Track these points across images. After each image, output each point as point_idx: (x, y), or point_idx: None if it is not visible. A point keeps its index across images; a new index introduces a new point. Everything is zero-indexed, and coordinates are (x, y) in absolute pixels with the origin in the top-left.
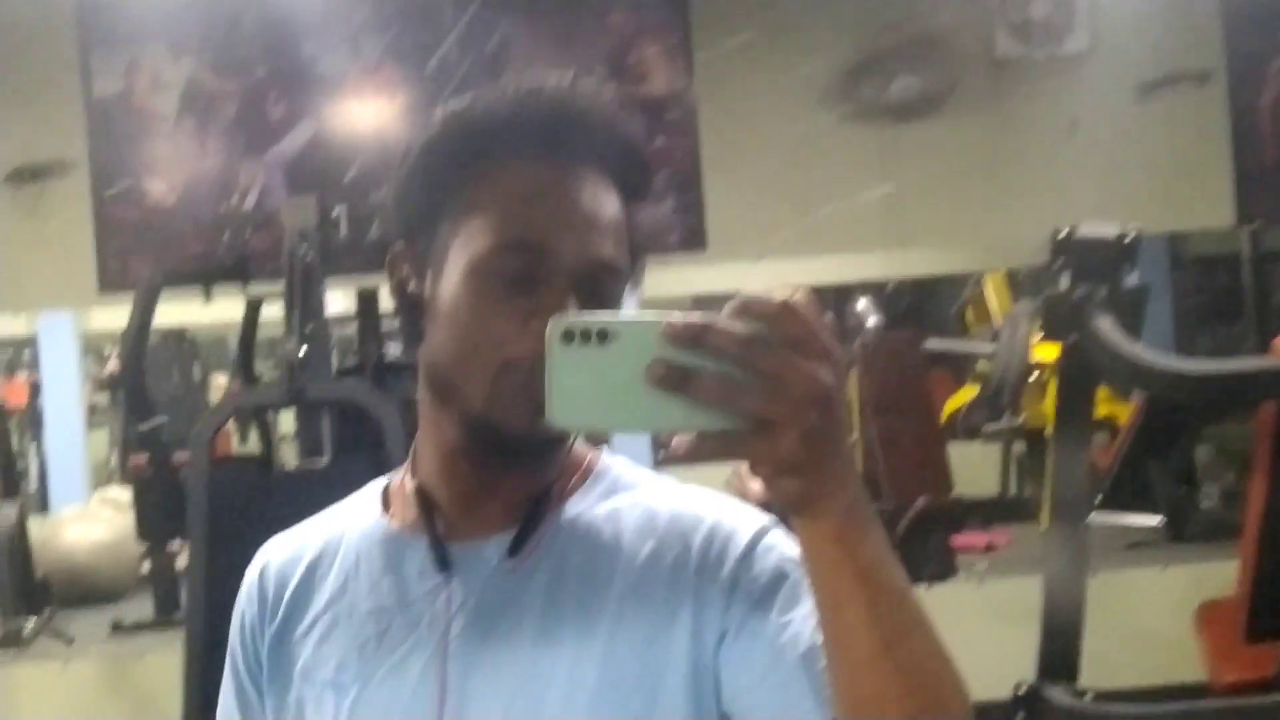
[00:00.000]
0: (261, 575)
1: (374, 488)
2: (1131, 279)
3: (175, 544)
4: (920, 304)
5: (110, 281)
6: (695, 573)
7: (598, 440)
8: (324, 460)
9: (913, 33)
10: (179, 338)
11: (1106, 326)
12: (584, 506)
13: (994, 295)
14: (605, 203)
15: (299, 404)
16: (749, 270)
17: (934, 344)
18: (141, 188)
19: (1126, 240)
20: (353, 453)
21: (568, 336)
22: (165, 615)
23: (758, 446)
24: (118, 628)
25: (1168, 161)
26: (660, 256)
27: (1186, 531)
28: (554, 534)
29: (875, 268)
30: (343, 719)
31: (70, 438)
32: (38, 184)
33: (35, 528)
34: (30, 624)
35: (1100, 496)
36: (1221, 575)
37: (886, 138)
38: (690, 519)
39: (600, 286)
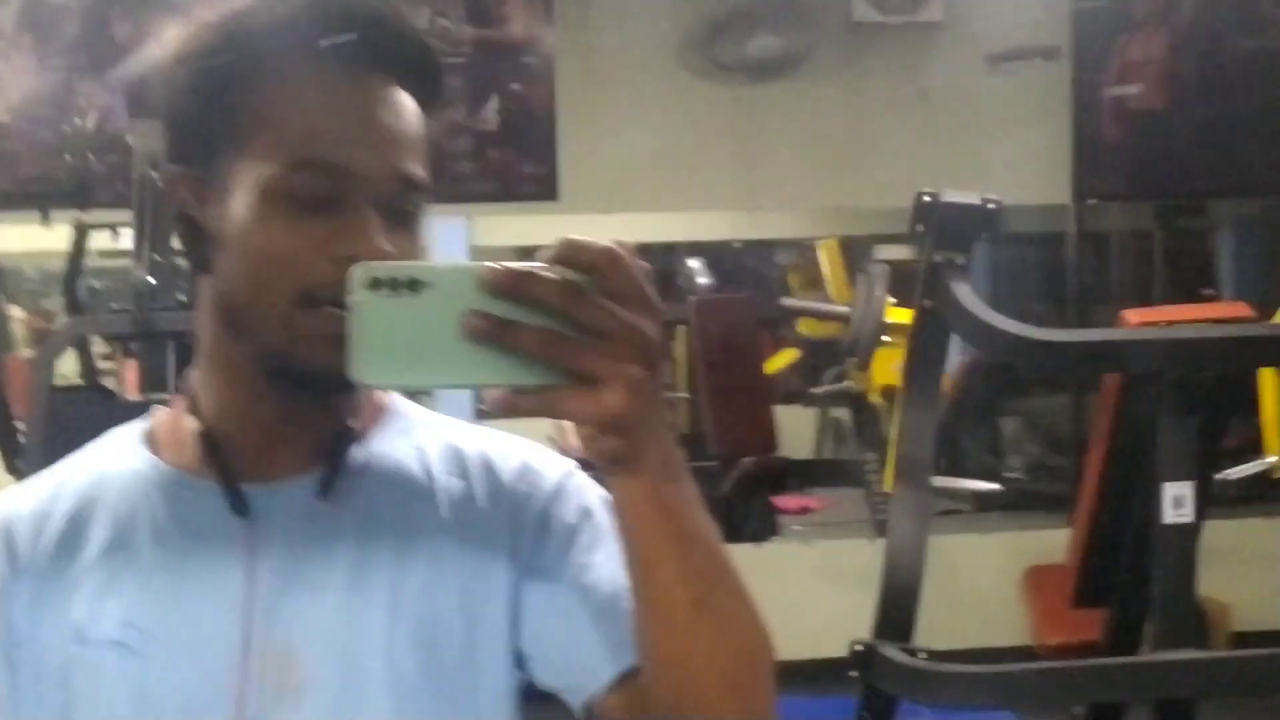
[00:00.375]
0: (5, 531)
1: (128, 431)
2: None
3: None
4: (740, 267)
5: None
6: (508, 509)
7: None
8: (167, 393)
9: None
10: None
11: (965, 293)
12: (386, 445)
13: (828, 262)
14: (405, 114)
15: (148, 334)
16: (598, 222)
17: (789, 303)
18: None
19: (990, 209)
20: None
21: (375, 285)
22: None
23: (580, 402)
24: None
25: (1012, 134)
26: (510, 204)
27: (993, 501)
28: (360, 473)
29: (722, 228)
30: (131, 679)
31: None
32: None
33: None
34: None
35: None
36: (1031, 543)
37: (741, 96)
38: (499, 457)
39: (405, 203)
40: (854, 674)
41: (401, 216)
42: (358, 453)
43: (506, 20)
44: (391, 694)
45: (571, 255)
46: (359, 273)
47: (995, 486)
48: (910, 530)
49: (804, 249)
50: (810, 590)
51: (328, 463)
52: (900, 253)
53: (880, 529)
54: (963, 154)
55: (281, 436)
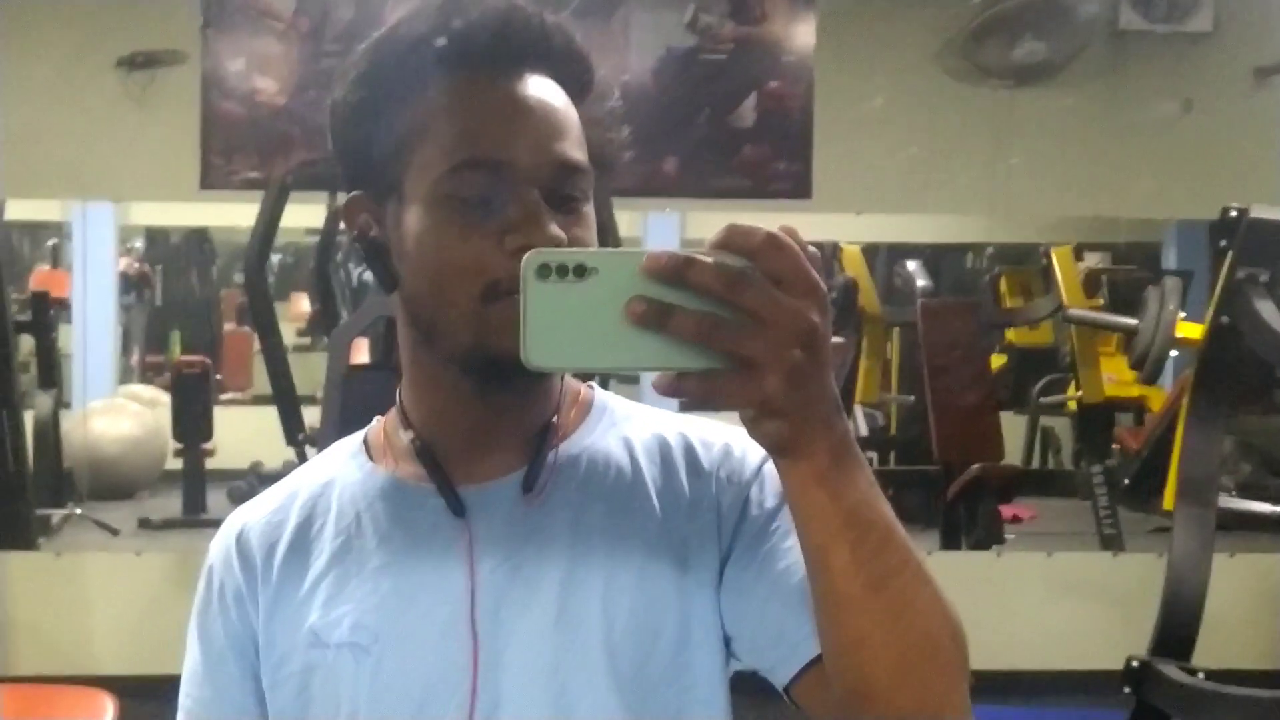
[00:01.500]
0: (240, 541)
1: (347, 444)
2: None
3: (208, 445)
4: (946, 271)
5: (213, 179)
6: (712, 494)
7: (585, 377)
8: None
9: None
10: (201, 239)
11: (1268, 309)
12: (592, 439)
13: (1061, 267)
14: (554, 102)
15: None
16: (850, 222)
17: (1075, 314)
18: (252, 85)
19: None
20: None
21: (543, 272)
22: (193, 514)
23: (741, 387)
24: (146, 524)
25: (1275, 148)
26: (763, 202)
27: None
28: (567, 467)
29: (972, 231)
30: (366, 678)
31: (102, 333)
32: (149, 72)
33: (62, 421)
34: (59, 515)
35: (1127, 480)
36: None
37: (1000, 100)
38: (700, 444)
39: (567, 187)
40: (1127, 690)
41: (567, 202)
42: (565, 448)
43: (768, 18)
44: (613, 685)
45: (734, 241)
46: (528, 260)
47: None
48: (1194, 548)
49: (1009, 254)
50: (1042, 601)
51: (530, 459)
52: (1096, 261)
53: (1106, 543)
54: (1222, 167)
55: (488, 437)
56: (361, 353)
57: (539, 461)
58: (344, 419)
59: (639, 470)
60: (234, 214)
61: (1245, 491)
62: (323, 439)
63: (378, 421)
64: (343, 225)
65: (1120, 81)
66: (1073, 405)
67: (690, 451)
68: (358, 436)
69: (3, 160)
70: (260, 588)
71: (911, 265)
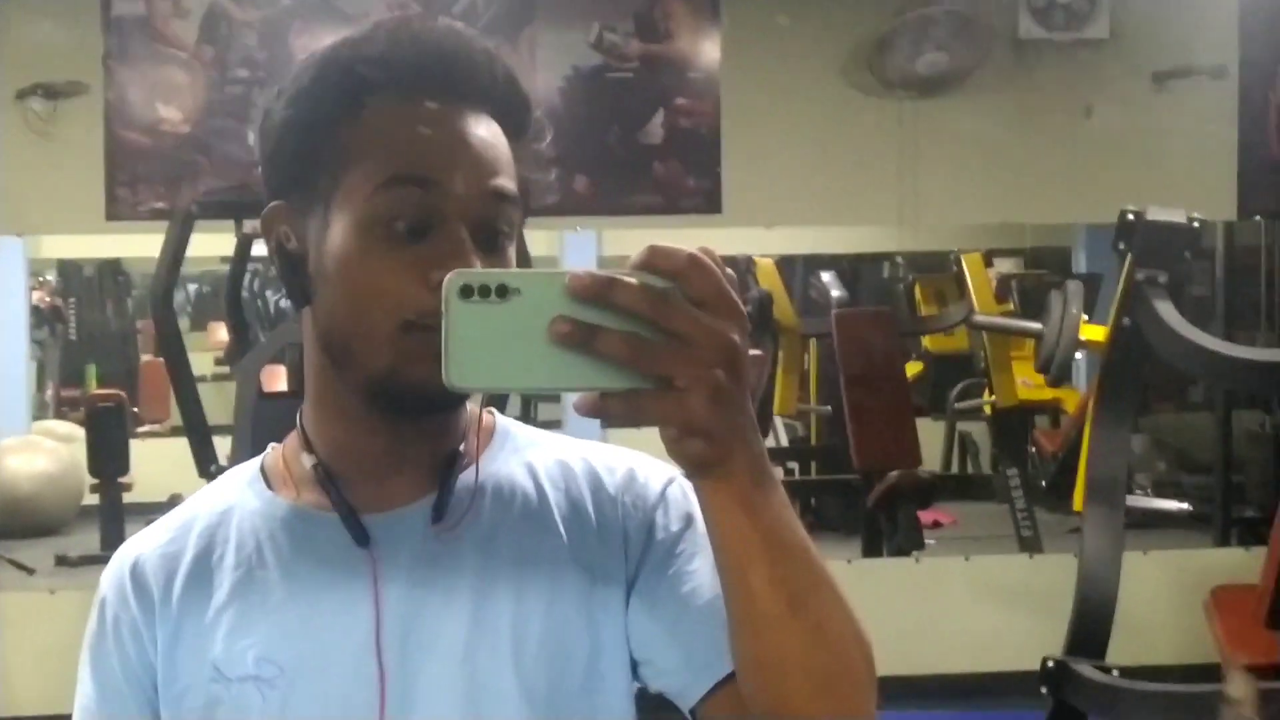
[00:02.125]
0: (135, 573)
1: (243, 471)
2: (1080, 266)
3: (125, 478)
4: (862, 280)
5: (119, 210)
6: (617, 519)
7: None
8: None
9: (942, 9)
10: (114, 270)
11: (1168, 311)
12: (496, 465)
13: (972, 274)
14: (491, 135)
15: None
16: (761, 236)
17: (980, 319)
18: (156, 115)
19: (1194, 227)
20: None
21: (465, 292)
22: (111, 549)
23: (664, 407)
24: (63, 560)
25: (1177, 152)
26: (674, 218)
27: (1165, 520)
28: (474, 495)
29: (883, 241)
30: (273, 712)
31: (13, 368)
32: (50, 103)
33: None
34: None
35: (1045, 482)
36: (1195, 562)
37: (906, 111)
38: (604, 469)
39: (496, 222)
40: (1044, 689)
41: (495, 236)
42: (469, 475)
43: (673, 36)
44: (525, 711)
45: (656, 262)
46: (451, 280)
47: (1185, 506)
48: (1105, 548)
49: (923, 262)
50: (962, 605)
51: (437, 486)
52: (1008, 266)
53: (1024, 545)
54: (1124, 172)
55: (393, 465)
56: (279, 380)
57: (447, 490)
58: (256, 448)
59: (544, 496)
60: (148, 244)
61: (1161, 489)
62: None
63: (274, 449)
64: (259, 233)
65: (1023, 90)
66: (989, 410)
67: (594, 477)
68: (254, 463)
69: None
70: (158, 620)
71: (826, 276)
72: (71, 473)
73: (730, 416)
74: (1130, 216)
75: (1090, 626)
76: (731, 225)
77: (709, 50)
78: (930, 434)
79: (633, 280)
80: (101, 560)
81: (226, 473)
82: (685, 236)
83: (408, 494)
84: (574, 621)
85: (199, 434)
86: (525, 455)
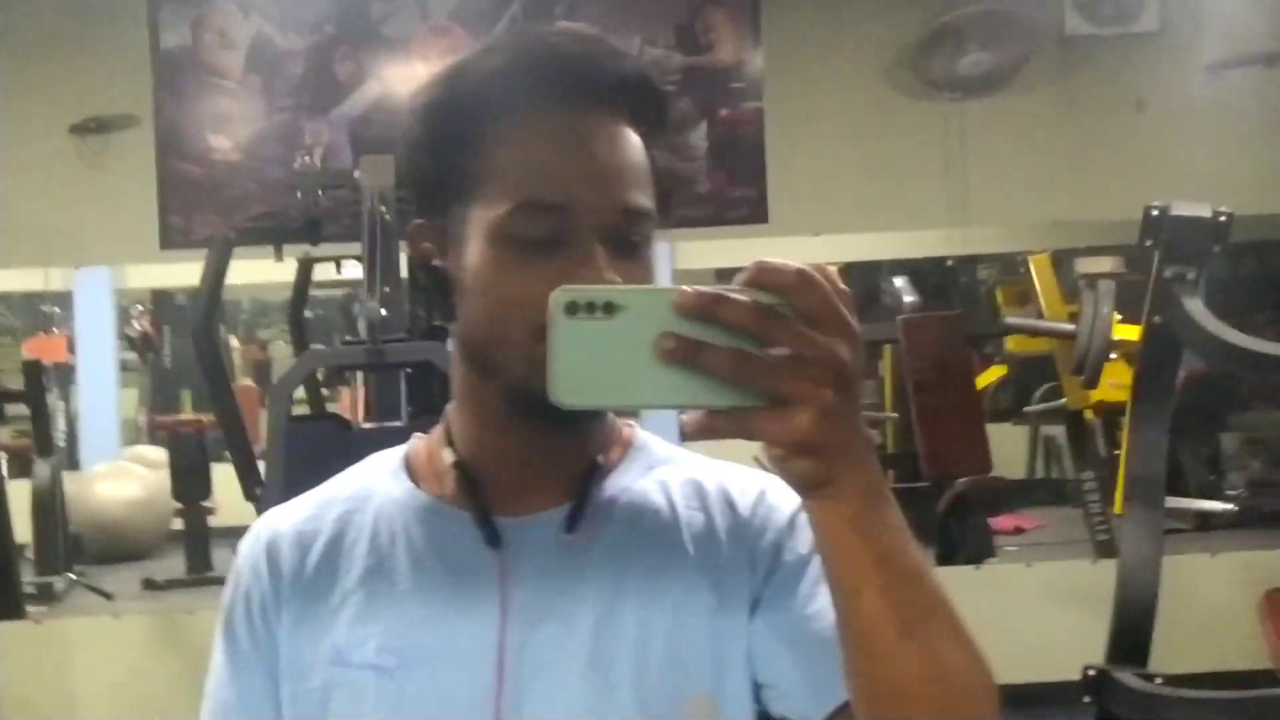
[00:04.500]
0: (270, 549)
1: (386, 459)
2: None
3: (208, 502)
4: (945, 284)
5: (172, 239)
6: (747, 542)
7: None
8: (400, 421)
9: (984, 8)
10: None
11: (1196, 307)
12: (630, 480)
13: (1039, 276)
14: (624, 145)
15: (380, 365)
16: (809, 244)
17: (1013, 321)
18: (206, 144)
19: (1221, 221)
20: (426, 415)
21: (571, 309)
22: (197, 573)
23: (772, 425)
24: (150, 585)
25: (1232, 143)
26: (720, 229)
27: (1213, 520)
28: (607, 508)
29: (932, 245)
30: (388, 702)
31: (103, 395)
32: (102, 136)
33: (67, 484)
34: (63, 580)
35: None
36: (1265, 563)
37: (952, 112)
38: (737, 491)
39: (629, 234)
40: (1087, 699)
41: (628, 248)
42: (605, 487)
43: (715, 47)
44: None
45: (765, 278)
46: (556, 296)
47: (1229, 506)
48: (1143, 552)
49: (1009, 264)
50: (1031, 613)
51: (575, 497)
52: (1100, 265)
53: (1101, 549)
54: (1179, 164)
55: (532, 471)
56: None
57: (583, 501)
58: (288, 469)
59: (676, 514)
60: (243, 272)
61: (1256, 488)
62: (269, 490)
63: (418, 439)
64: (407, 251)
65: (1072, 86)
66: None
67: (726, 497)
68: (398, 452)
69: None
70: (287, 598)
71: (899, 281)
72: (160, 497)
73: (840, 435)
74: (1155, 213)
75: (1132, 633)
76: (778, 234)
77: (751, 60)
78: (1016, 439)
79: (742, 296)
80: (189, 584)
81: (370, 457)
82: (733, 246)
83: (543, 501)
84: (699, 641)
85: (243, 454)
86: (660, 471)
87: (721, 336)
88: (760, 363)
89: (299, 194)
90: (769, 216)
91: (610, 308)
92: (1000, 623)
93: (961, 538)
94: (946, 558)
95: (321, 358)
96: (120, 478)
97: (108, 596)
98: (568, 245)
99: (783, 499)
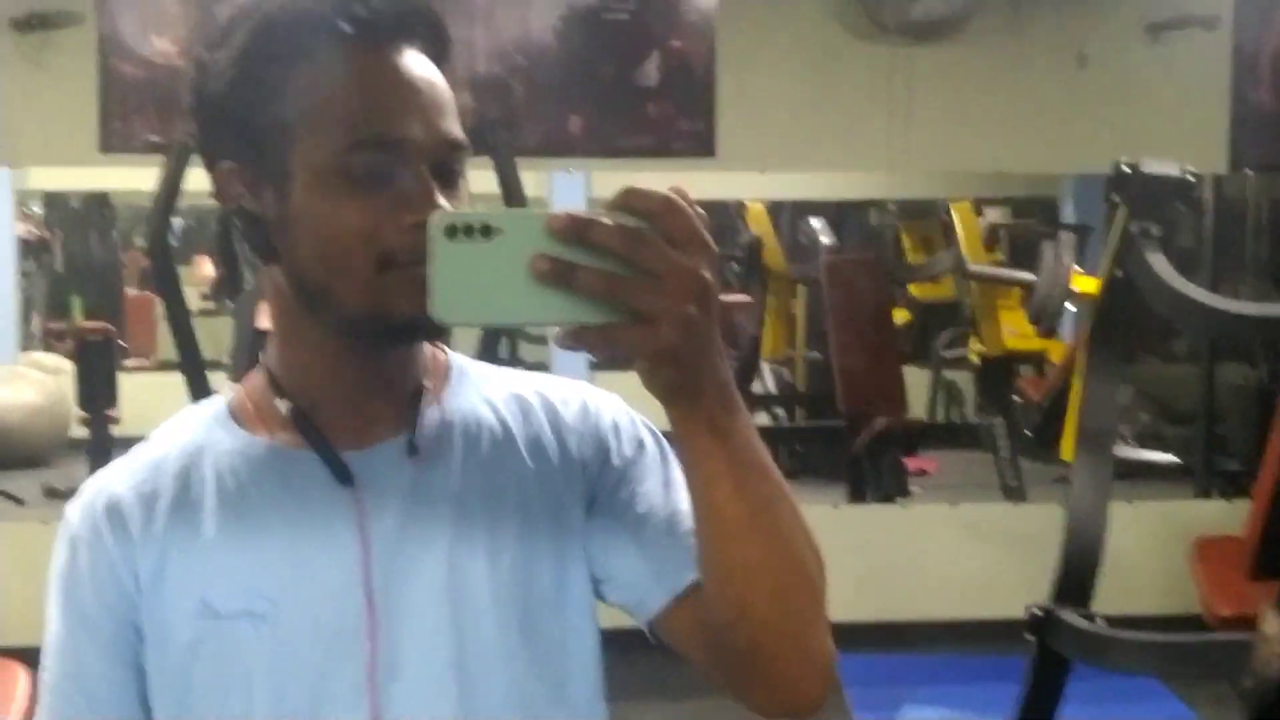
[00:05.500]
0: (110, 512)
1: (205, 410)
2: (1068, 217)
3: (112, 412)
4: (843, 223)
5: (112, 142)
6: (575, 447)
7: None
8: None
9: None
10: (100, 203)
11: (1160, 263)
12: (458, 400)
13: (963, 223)
14: (437, 80)
15: None
16: (754, 180)
17: (975, 269)
18: (150, 46)
19: (1188, 179)
20: None
21: (450, 231)
22: None
23: (637, 337)
24: (52, 492)
25: (1169, 104)
26: (667, 160)
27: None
28: (444, 430)
29: (874, 188)
30: (265, 646)
31: (1, 301)
32: (43, 33)
33: None
34: None
35: (1029, 431)
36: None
37: (900, 57)
38: (559, 401)
39: (452, 163)
40: (1030, 636)
41: (451, 177)
42: (435, 411)
43: None
44: (499, 629)
45: (631, 202)
46: (437, 219)
47: (1173, 459)
48: (1093, 498)
49: (907, 209)
50: (949, 552)
51: (410, 422)
52: (996, 215)
53: (1010, 494)
54: (1117, 122)
55: (366, 402)
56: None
57: (419, 424)
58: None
59: (507, 428)
60: (132, 177)
61: (1144, 441)
62: None
63: (233, 389)
64: (213, 196)
65: (1017, 38)
66: (974, 358)
67: (550, 409)
68: (216, 402)
69: None
70: (140, 557)
71: (816, 222)
72: (59, 405)
73: (700, 347)
74: (1126, 168)
75: (1076, 574)
76: (725, 169)
77: None
78: (917, 382)
79: (608, 220)
80: None
81: (185, 411)
82: (678, 179)
83: (380, 432)
84: (542, 543)
85: (194, 369)
86: (482, 390)
87: (591, 257)
88: (626, 281)
89: None
90: (716, 150)
91: (487, 230)
92: (929, 561)
93: (877, 476)
94: (858, 495)
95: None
96: (18, 383)
97: (19, 501)
98: (400, 178)
99: (603, 405)
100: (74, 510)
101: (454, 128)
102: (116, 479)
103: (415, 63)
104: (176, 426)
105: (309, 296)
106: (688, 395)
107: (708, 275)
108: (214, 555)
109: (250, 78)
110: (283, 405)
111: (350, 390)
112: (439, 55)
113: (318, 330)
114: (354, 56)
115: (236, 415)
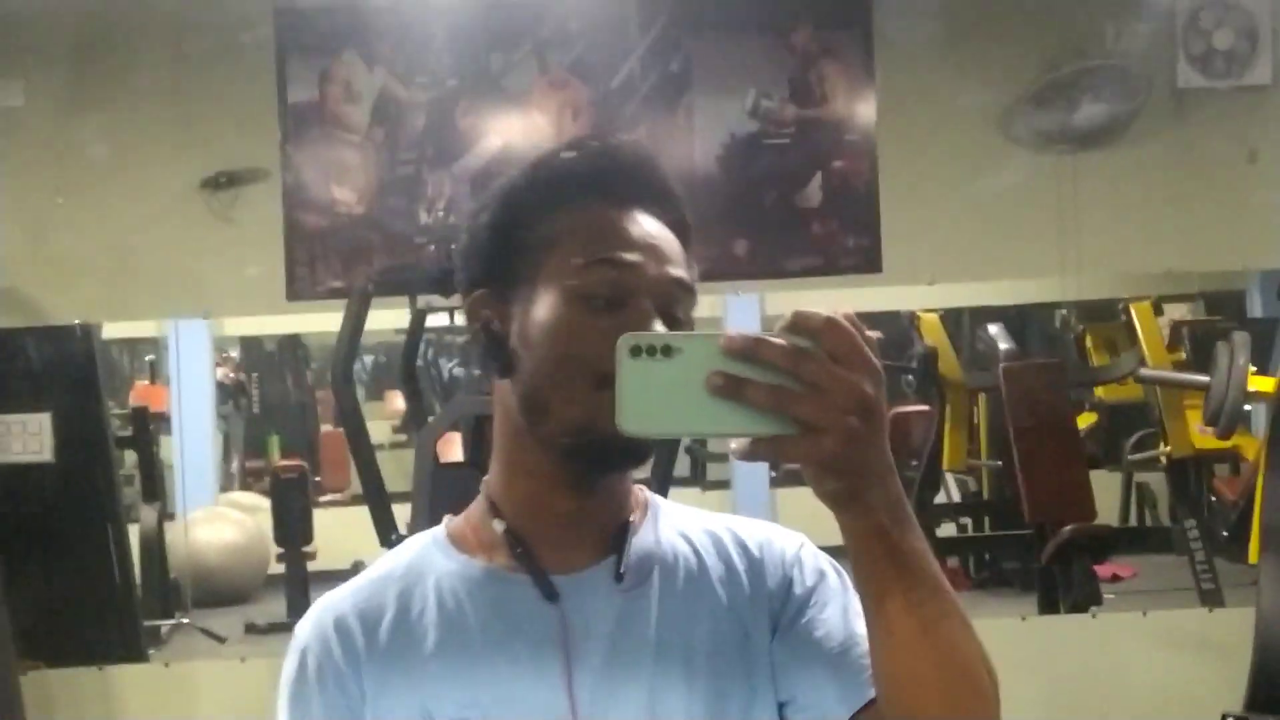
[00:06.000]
0: (338, 626)
1: (425, 539)
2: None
3: (308, 547)
4: (1024, 329)
5: (298, 289)
6: (763, 579)
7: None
8: None
9: (1099, 63)
10: (294, 345)
11: None
12: (656, 534)
13: (1142, 323)
14: (669, 233)
15: None
16: (922, 293)
17: (1147, 373)
18: (331, 196)
19: None
20: None
21: (635, 351)
22: (297, 616)
23: (804, 447)
24: (252, 628)
25: None
26: (834, 278)
27: None
28: (645, 560)
29: (1049, 290)
30: None
31: (200, 442)
32: (232, 190)
33: (167, 531)
34: (170, 625)
35: (1225, 532)
36: None
37: (1064, 164)
38: (746, 536)
39: (677, 302)
40: None
41: (676, 312)
42: (636, 541)
43: (828, 100)
44: None
45: (799, 323)
46: (623, 340)
47: None
48: None
49: (1090, 310)
50: (1140, 661)
51: (615, 552)
52: (1181, 312)
53: (1207, 598)
54: None
55: (577, 527)
56: (454, 449)
57: (626, 551)
58: (433, 514)
59: (701, 561)
60: (324, 319)
61: None
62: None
63: (452, 518)
64: (463, 319)
65: (1184, 138)
66: (1164, 460)
67: (740, 544)
68: (435, 532)
69: (99, 284)
70: (365, 670)
71: (994, 329)
72: (257, 543)
73: (864, 456)
74: None
75: (1269, 680)
76: (892, 284)
77: (864, 112)
78: (1106, 486)
79: (778, 339)
80: (289, 628)
81: (406, 541)
82: (846, 296)
83: (587, 558)
84: (733, 670)
85: (379, 503)
86: (678, 525)
87: (762, 374)
88: (793, 394)
89: (431, 246)
90: (882, 265)
91: (668, 350)
92: (1120, 672)
93: (1067, 585)
94: (1049, 605)
95: (469, 406)
96: (218, 522)
97: (220, 640)
98: (627, 307)
99: (787, 541)
100: (304, 626)
101: (680, 269)
102: (344, 599)
103: (650, 219)
104: (398, 554)
105: (531, 408)
106: (855, 504)
107: (869, 389)
108: (434, 668)
109: (514, 214)
110: (498, 525)
111: (562, 517)
112: (679, 230)
113: (537, 451)
114: (603, 207)
115: (454, 540)
